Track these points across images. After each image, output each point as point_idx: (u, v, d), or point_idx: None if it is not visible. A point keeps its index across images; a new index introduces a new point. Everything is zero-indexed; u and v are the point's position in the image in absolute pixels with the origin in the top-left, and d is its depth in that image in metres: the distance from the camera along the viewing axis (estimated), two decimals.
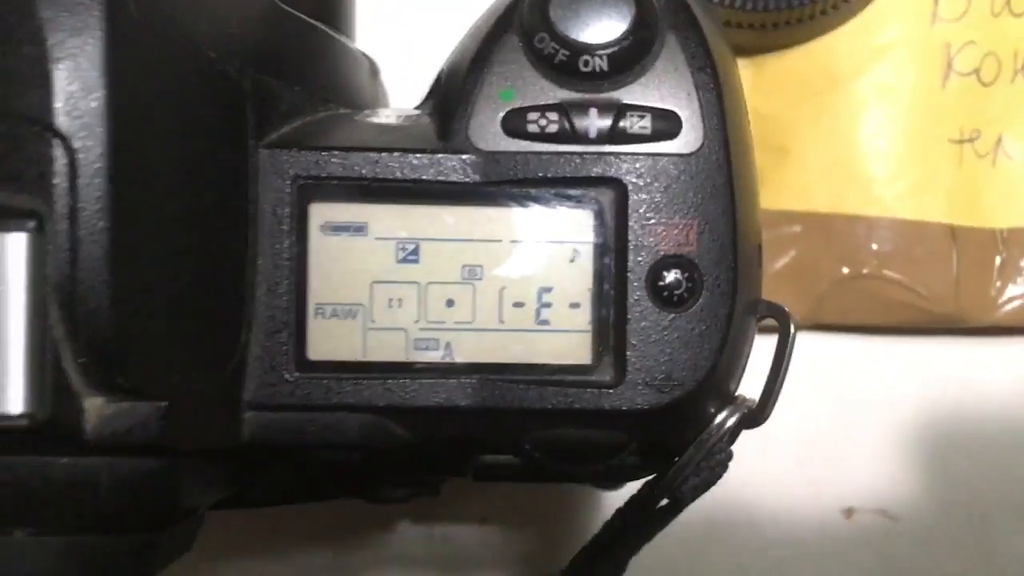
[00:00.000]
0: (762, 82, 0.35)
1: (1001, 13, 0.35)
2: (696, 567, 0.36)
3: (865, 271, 0.35)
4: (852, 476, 0.36)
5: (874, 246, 0.35)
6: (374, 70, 0.27)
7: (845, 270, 0.35)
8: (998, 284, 0.34)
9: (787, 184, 0.35)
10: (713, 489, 0.24)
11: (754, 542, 0.36)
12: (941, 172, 0.34)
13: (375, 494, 0.25)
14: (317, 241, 0.22)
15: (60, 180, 0.18)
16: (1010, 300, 0.34)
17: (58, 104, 0.18)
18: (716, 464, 0.23)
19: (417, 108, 0.24)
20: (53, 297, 0.18)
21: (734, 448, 0.23)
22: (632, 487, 0.25)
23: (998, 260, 0.35)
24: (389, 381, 0.21)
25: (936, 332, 0.35)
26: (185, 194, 0.20)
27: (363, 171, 0.22)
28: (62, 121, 0.18)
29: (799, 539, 0.36)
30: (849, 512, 0.36)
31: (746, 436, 0.23)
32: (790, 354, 0.23)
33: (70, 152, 0.18)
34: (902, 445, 0.36)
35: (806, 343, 0.35)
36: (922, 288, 0.34)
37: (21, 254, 0.18)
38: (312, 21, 0.24)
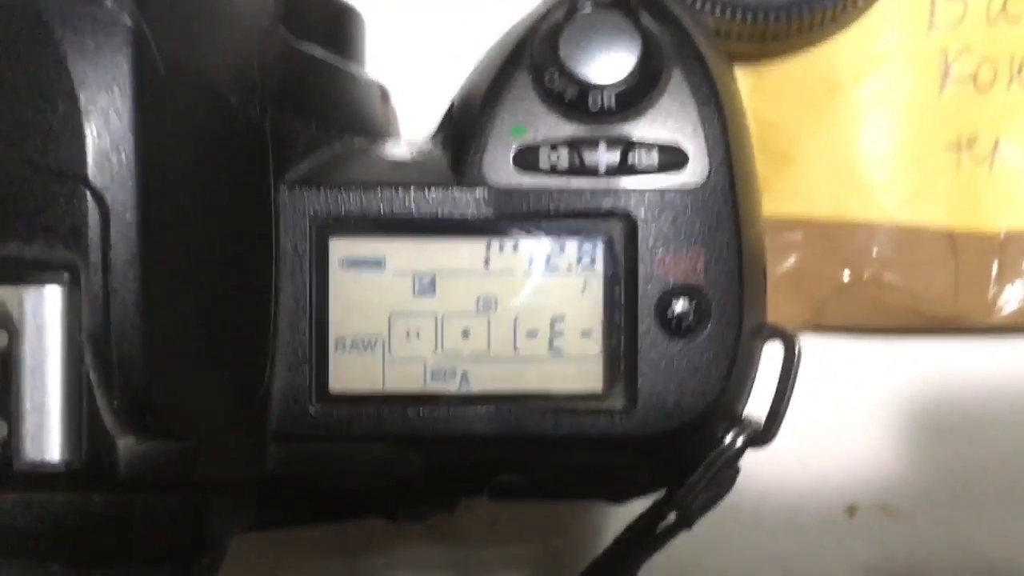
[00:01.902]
0: (763, 90, 0.36)
1: (997, 20, 0.35)
2: (701, 565, 0.36)
3: (866, 276, 0.35)
4: (854, 474, 0.37)
5: (875, 251, 0.35)
6: (384, 96, 0.28)
7: (846, 275, 0.35)
8: (996, 287, 0.35)
9: (789, 191, 0.35)
10: None
11: (759, 540, 0.36)
12: (939, 178, 0.35)
13: (393, 513, 0.26)
14: (336, 276, 0.22)
15: (93, 233, 0.18)
16: (1008, 302, 0.35)
17: (90, 159, 0.18)
18: (724, 481, 0.24)
19: (429, 139, 0.25)
20: (88, 345, 0.19)
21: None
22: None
23: (996, 263, 0.35)
24: (408, 411, 0.22)
25: (936, 333, 0.36)
26: (212, 238, 0.20)
27: (380, 207, 0.22)
28: (94, 175, 0.18)
29: (803, 536, 0.37)
30: (852, 510, 0.37)
31: None
32: (795, 377, 0.24)
33: (102, 205, 0.18)
34: (902, 443, 0.37)
35: (808, 344, 0.36)
36: (922, 292, 0.35)
37: (57, 306, 0.19)
38: (325, 57, 0.25)
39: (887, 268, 0.35)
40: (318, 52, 0.25)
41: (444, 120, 0.25)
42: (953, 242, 0.35)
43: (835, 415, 0.36)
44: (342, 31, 0.26)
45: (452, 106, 0.25)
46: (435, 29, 0.34)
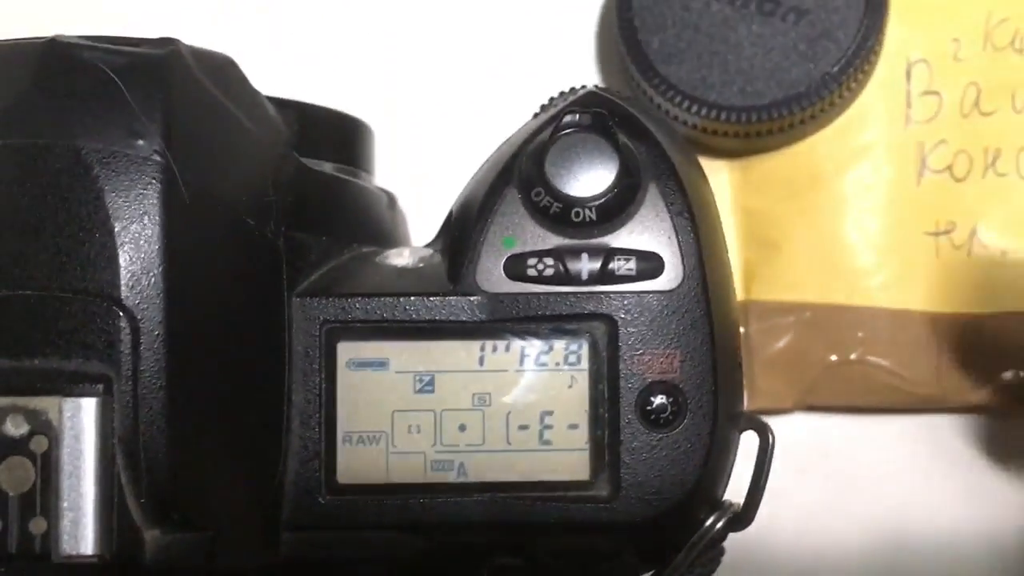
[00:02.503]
0: (749, 182, 0.38)
1: (970, 113, 0.37)
2: None
3: (852, 357, 0.37)
4: (848, 548, 0.38)
5: (860, 334, 0.37)
6: (391, 202, 0.30)
7: (833, 357, 0.37)
8: (976, 367, 0.36)
9: (777, 277, 0.37)
10: None
11: None
12: (920, 263, 0.37)
13: None
14: (344, 377, 0.24)
15: (125, 348, 0.21)
16: (987, 383, 0.36)
17: (123, 282, 0.21)
18: (708, 561, 0.26)
19: (429, 245, 0.27)
20: (119, 449, 0.21)
21: None
22: None
23: (975, 345, 0.37)
24: (410, 500, 0.24)
25: (921, 411, 0.37)
26: (231, 348, 0.22)
27: (384, 314, 0.24)
28: (127, 297, 0.21)
29: None
30: None
31: None
32: (769, 464, 0.25)
33: (134, 323, 0.21)
34: (895, 518, 0.38)
35: (800, 423, 0.37)
36: (905, 372, 0.36)
37: (92, 415, 0.21)
38: (335, 172, 0.27)
39: (872, 350, 0.36)
40: (329, 168, 0.27)
41: (443, 227, 0.27)
42: (934, 324, 0.36)
43: (828, 491, 0.38)
44: (352, 145, 0.29)
45: (450, 215, 0.27)
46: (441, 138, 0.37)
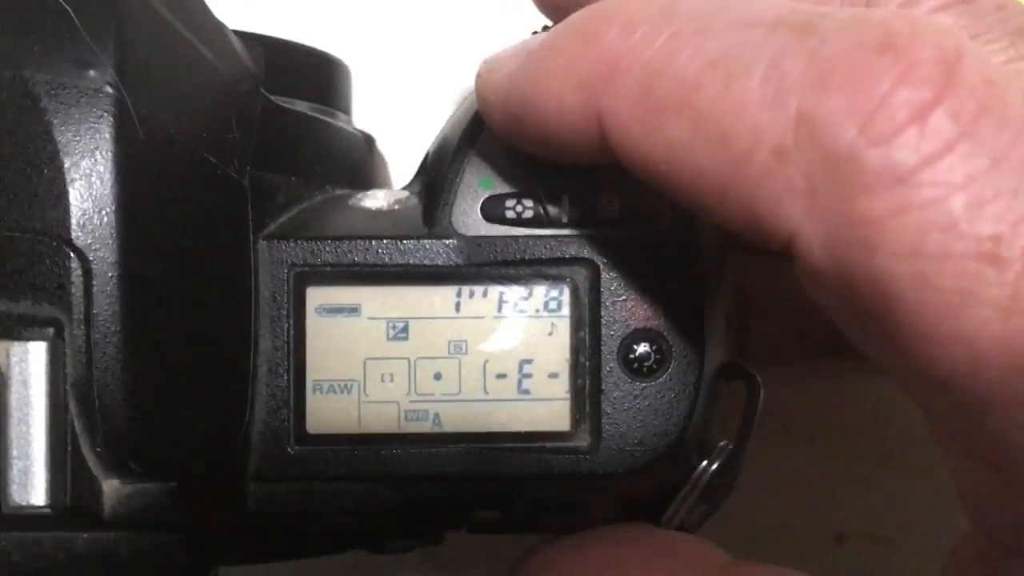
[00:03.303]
0: None
1: None
2: None
3: None
4: (841, 502, 0.37)
5: None
6: (369, 144, 0.29)
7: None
8: None
9: None
10: None
11: None
12: None
13: (379, 546, 0.27)
14: (314, 323, 0.23)
15: (76, 290, 0.20)
16: None
17: (74, 221, 0.20)
18: (709, 505, 0.25)
19: (406, 188, 0.26)
20: (72, 394, 0.20)
21: None
22: None
23: None
24: (383, 452, 0.23)
25: None
26: (192, 291, 0.21)
27: (355, 258, 0.23)
28: (77, 236, 0.20)
29: (792, 564, 0.37)
30: (839, 537, 0.37)
31: None
32: (758, 414, 0.24)
33: (85, 264, 0.20)
34: (888, 471, 0.37)
35: (795, 375, 0.37)
36: None
37: (42, 359, 0.20)
38: (307, 111, 0.26)
39: None
40: (301, 106, 0.26)
41: (420, 169, 0.26)
42: None
43: (822, 443, 0.37)
44: (326, 84, 0.28)
45: (427, 156, 0.26)
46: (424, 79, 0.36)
